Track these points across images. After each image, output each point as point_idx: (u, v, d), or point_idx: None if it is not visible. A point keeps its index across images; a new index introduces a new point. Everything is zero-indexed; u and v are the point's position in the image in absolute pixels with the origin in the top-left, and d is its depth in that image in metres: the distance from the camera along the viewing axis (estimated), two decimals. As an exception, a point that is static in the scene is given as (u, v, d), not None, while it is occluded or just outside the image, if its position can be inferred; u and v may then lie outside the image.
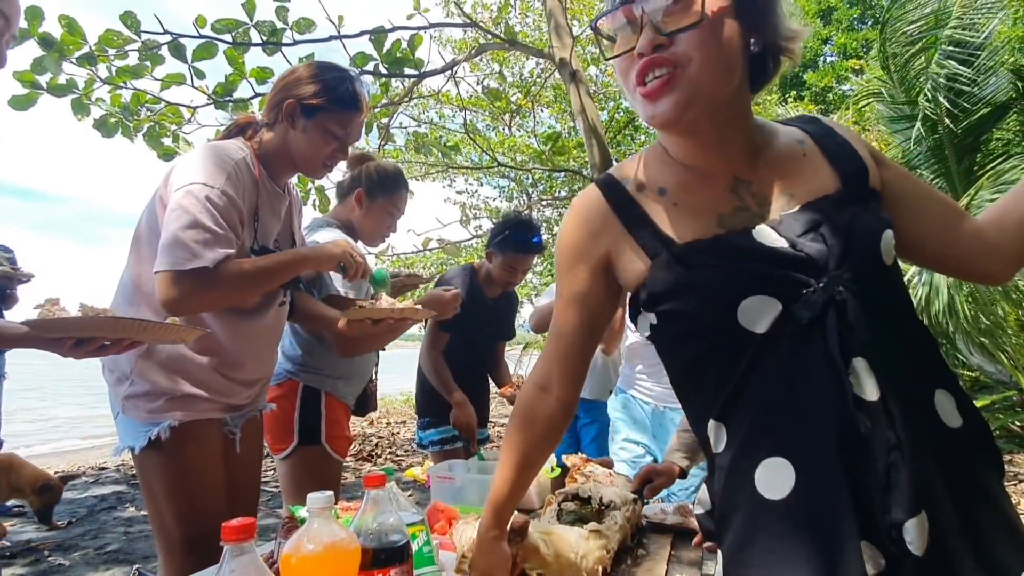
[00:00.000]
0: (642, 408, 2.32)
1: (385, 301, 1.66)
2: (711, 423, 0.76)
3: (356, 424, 7.84)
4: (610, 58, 0.79)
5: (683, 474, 1.69)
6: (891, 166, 0.85)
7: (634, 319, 0.85)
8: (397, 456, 5.82)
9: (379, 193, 1.95)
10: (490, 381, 2.65)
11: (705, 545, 1.48)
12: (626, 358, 2.43)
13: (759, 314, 0.71)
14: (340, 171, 2.21)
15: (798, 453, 0.69)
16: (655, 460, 2.28)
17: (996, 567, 0.67)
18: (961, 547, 0.66)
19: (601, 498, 1.47)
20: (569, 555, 1.10)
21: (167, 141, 4.07)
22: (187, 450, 1.35)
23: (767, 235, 0.73)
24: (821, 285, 0.70)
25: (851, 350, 0.69)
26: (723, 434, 0.75)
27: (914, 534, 0.65)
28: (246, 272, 1.32)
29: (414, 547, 0.94)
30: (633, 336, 2.32)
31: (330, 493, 0.74)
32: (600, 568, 1.21)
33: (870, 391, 0.68)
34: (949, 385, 0.74)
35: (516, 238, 2.29)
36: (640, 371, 2.32)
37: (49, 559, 3.08)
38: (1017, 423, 5.41)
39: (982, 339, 4.52)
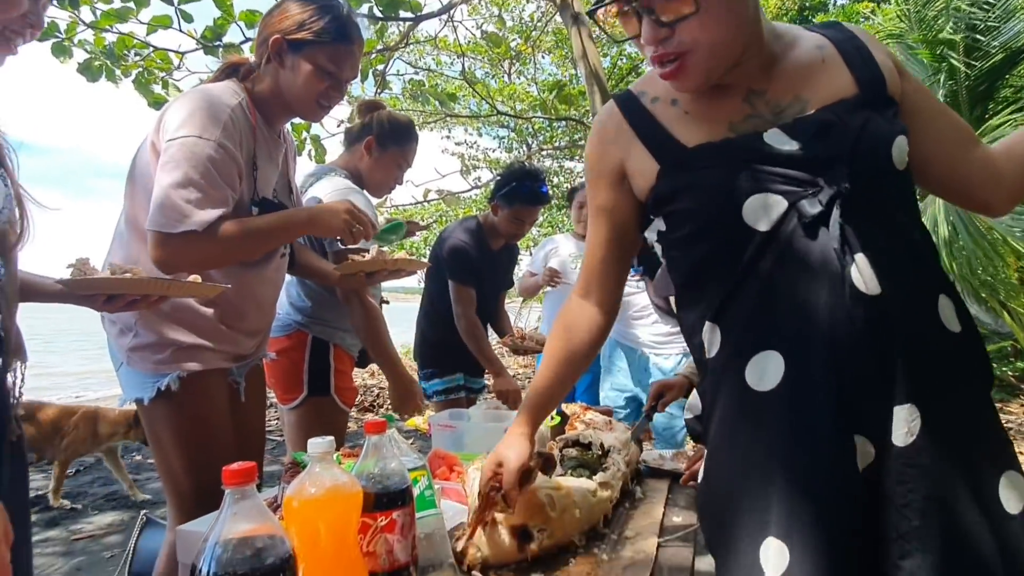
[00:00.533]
0: (627, 354, 2.47)
1: (377, 252, 1.63)
2: (706, 326, 0.77)
3: (357, 375, 7.92)
4: (619, 42, 0.79)
5: (693, 387, 1.78)
6: (912, 79, 0.84)
7: (644, 228, 0.88)
8: (399, 406, 5.91)
9: (390, 143, 1.88)
10: (491, 331, 2.65)
11: (691, 484, 1.51)
12: None
13: (763, 212, 0.72)
14: (333, 118, 2.14)
15: (789, 344, 0.71)
16: (640, 404, 2.42)
17: (974, 466, 0.69)
18: (945, 443, 0.68)
19: (602, 444, 1.49)
20: (574, 512, 1.11)
21: (157, 88, 3.95)
22: (196, 400, 1.35)
23: (777, 138, 0.74)
24: (826, 182, 0.71)
25: (854, 246, 0.69)
26: (717, 336, 0.76)
27: (902, 424, 0.67)
28: (237, 235, 1.28)
29: (416, 491, 0.95)
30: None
31: (331, 438, 0.74)
32: (602, 517, 1.23)
33: (871, 286, 0.68)
34: (951, 292, 0.75)
35: (523, 190, 2.25)
36: (626, 320, 2.41)
37: (59, 506, 3.16)
38: (1011, 372, 5.48)
39: (981, 292, 4.51)
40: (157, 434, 1.37)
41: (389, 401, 6.65)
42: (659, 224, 0.83)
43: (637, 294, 2.44)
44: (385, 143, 1.87)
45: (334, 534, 0.72)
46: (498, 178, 2.39)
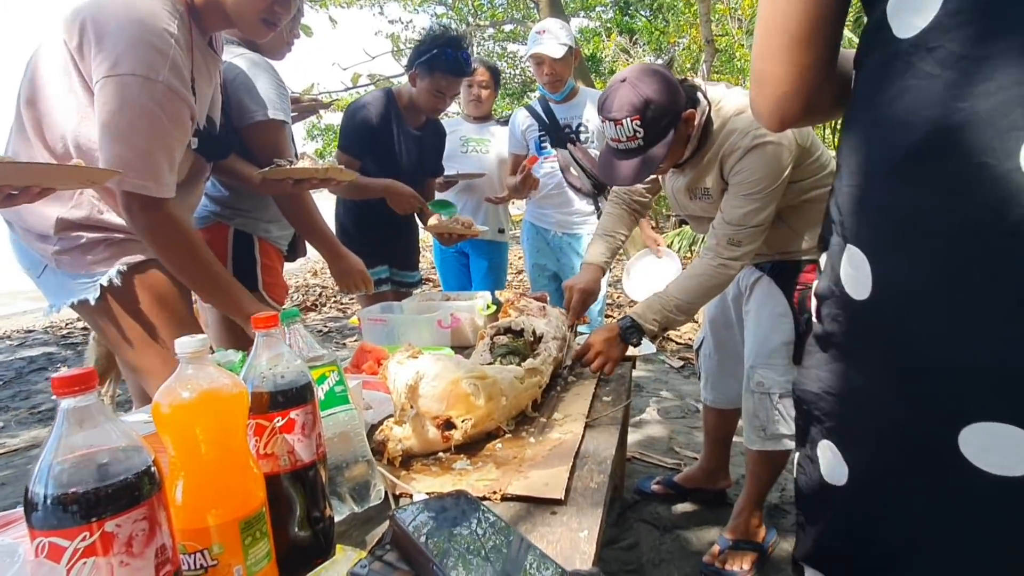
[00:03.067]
0: (543, 234, 2.61)
1: (307, 159, 1.48)
2: None
3: (298, 273, 7.73)
4: None
5: (602, 271, 1.84)
6: None
7: None
8: (342, 304, 5.82)
9: None
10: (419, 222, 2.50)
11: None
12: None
13: None
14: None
15: None
16: (559, 281, 2.58)
17: None
18: None
19: (534, 330, 1.45)
20: (500, 399, 1.08)
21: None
22: (148, 286, 1.29)
23: None
24: None
25: None
26: None
27: None
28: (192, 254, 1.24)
29: (324, 388, 0.87)
30: (537, 175, 2.48)
31: (203, 336, 0.64)
32: (531, 402, 1.21)
33: None
34: None
35: (445, 57, 2.01)
36: (540, 201, 2.56)
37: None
38: None
39: None
40: (112, 333, 1.30)
41: (336, 292, 6.45)
42: None
43: (550, 174, 2.49)
44: None
45: (216, 439, 0.64)
46: (417, 43, 2.12)
